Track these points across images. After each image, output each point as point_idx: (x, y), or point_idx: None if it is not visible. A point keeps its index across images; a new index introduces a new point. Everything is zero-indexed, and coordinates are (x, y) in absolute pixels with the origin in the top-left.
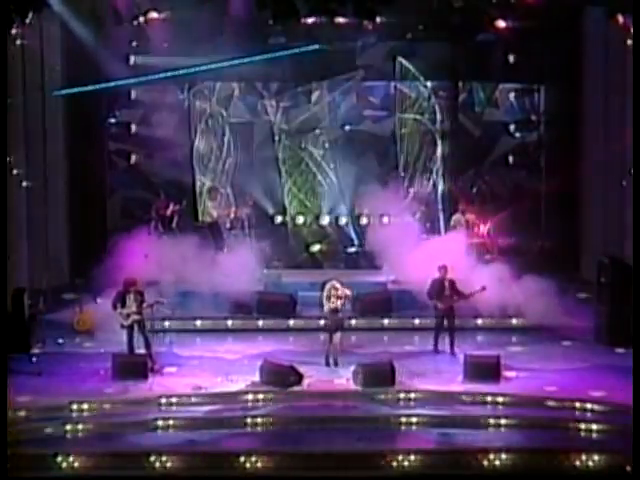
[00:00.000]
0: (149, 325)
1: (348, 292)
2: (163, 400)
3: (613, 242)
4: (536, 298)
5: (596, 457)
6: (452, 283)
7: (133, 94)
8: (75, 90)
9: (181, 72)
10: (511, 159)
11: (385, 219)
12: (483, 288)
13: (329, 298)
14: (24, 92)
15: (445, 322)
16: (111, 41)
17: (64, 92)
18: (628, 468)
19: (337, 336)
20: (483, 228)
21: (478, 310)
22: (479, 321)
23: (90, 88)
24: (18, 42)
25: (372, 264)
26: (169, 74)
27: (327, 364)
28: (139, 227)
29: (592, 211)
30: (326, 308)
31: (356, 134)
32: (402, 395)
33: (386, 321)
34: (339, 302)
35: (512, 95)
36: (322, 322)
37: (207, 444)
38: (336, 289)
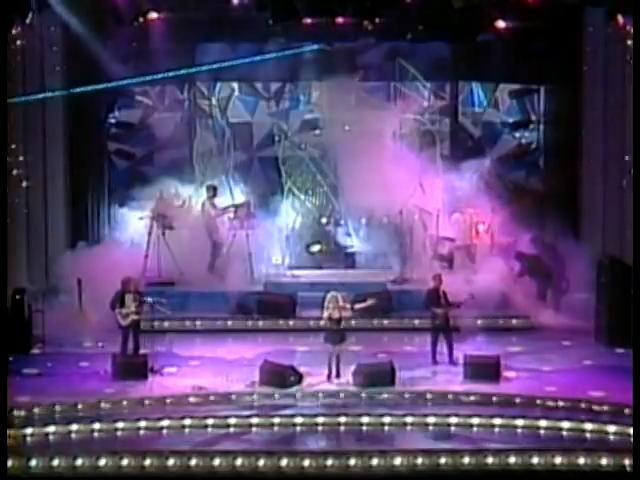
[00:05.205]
0: (149, 325)
1: (348, 305)
2: (163, 400)
3: (613, 242)
4: (536, 298)
5: (596, 457)
6: (444, 294)
7: (133, 94)
8: (75, 90)
9: (181, 72)
10: (511, 159)
11: (385, 219)
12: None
13: (328, 308)
14: (24, 92)
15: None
16: (111, 41)
17: (64, 92)
18: (628, 468)
19: (339, 348)
20: (483, 228)
21: (479, 310)
22: (479, 321)
23: (90, 88)
24: (18, 42)
25: (372, 264)
26: (169, 74)
27: (329, 377)
28: (138, 227)
29: (592, 211)
30: (325, 316)
31: (356, 134)
32: (402, 395)
33: (386, 321)
34: (342, 312)
35: (512, 95)
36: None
37: (207, 444)
38: (337, 300)
